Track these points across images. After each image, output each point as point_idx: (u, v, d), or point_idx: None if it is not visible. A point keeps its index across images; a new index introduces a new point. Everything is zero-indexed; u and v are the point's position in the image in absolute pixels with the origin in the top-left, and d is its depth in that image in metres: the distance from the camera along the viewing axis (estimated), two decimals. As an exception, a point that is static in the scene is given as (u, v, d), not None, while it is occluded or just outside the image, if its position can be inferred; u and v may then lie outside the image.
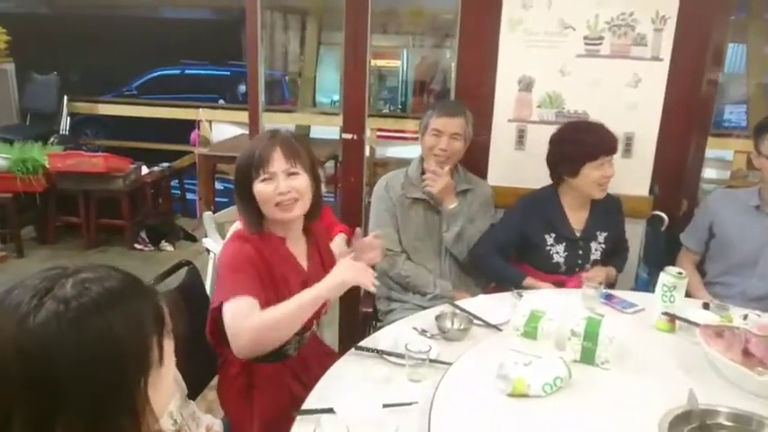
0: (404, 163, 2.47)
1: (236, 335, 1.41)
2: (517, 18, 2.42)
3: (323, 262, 1.72)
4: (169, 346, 0.81)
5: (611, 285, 2.16)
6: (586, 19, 2.38)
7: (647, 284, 2.37)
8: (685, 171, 2.56)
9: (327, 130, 5.54)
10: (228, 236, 2.13)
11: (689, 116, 2.46)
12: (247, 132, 4.70)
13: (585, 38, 2.39)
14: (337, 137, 4.40)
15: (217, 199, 4.49)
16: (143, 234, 4.44)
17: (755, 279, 2.10)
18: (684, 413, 1.27)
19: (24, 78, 5.09)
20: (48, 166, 4.13)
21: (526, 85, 2.48)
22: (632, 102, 2.44)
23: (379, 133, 5.46)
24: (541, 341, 1.51)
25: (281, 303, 1.44)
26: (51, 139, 4.73)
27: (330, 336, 2.61)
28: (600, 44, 2.40)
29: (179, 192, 5.17)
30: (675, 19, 2.34)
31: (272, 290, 1.51)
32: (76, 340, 0.70)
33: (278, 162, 1.49)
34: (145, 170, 4.56)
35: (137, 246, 4.41)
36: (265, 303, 1.45)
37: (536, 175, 2.30)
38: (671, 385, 1.36)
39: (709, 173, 4.66)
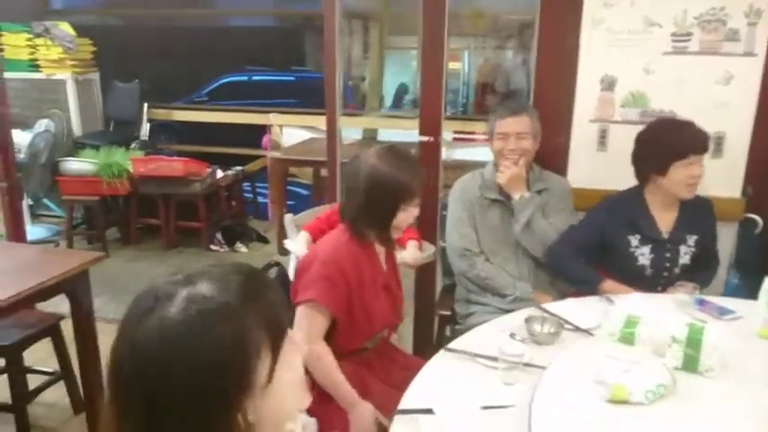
0: (473, 165, 2.47)
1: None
2: (599, 17, 2.37)
3: (393, 265, 1.83)
4: (286, 359, 0.78)
5: None
6: (674, 15, 2.30)
7: (737, 291, 2.27)
8: (780, 171, 2.43)
9: (393, 133, 5.57)
10: (302, 238, 2.22)
11: (785, 114, 2.34)
12: (317, 136, 4.82)
13: (673, 34, 2.31)
14: (403, 140, 4.44)
15: (288, 201, 4.60)
16: (218, 235, 4.59)
17: None
18: (801, 426, 1.21)
19: (106, 87, 5.36)
20: (131, 170, 4.34)
21: (608, 85, 2.43)
22: (723, 100, 2.34)
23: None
24: (638, 347, 1.47)
25: (330, 370, 1.58)
26: (132, 145, 4.97)
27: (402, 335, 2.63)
28: (688, 40, 2.31)
29: (251, 195, 5.32)
30: (772, 12, 2.24)
31: (358, 294, 1.62)
32: (168, 357, 0.71)
33: (419, 197, 1.64)
34: (219, 174, 4.72)
35: (212, 247, 4.57)
36: (348, 310, 1.61)
37: (619, 177, 2.24)
38: (783, 395, 1.30)
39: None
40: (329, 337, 1.63)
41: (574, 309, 1.78)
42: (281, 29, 10.14)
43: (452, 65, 9.76)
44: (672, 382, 1.30)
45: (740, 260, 2.39)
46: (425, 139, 2.68)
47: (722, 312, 1.78)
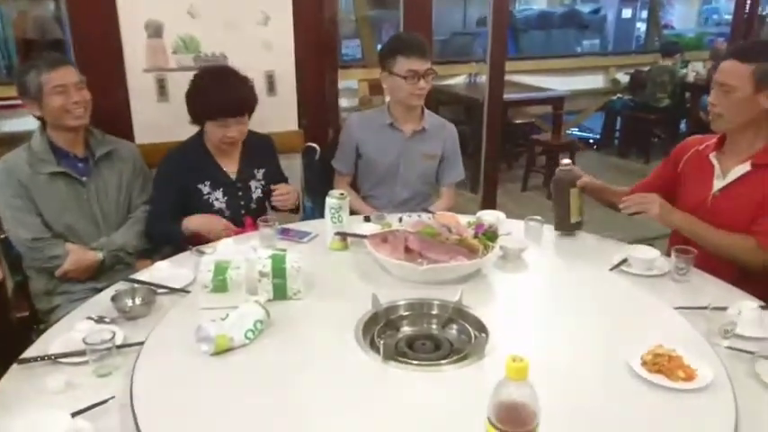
0: (23, 138, 2.08)
1: None
2: (126, -44, 2.20)
3: None
4: None
5: (297, 208, 2.27)
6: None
7: (313, 213, 2.53)
8: (325, 102, 2.75)
9: None
10: None
11: (319, 51, 2.63)
12: None
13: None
14: None
15: None
16: None
17: (398, 187, 2.42)
18: (372, 316, 1.41)
19: None
20: None
21: (155, 31, 2.30)
22: (267, 40, 2.48)
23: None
24: (233, 291, 1.47)
25: None
26: None
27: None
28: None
29: None
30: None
31: None
32: None
33: None
34: None
35: None
36: None
37: (186, 127, 2.19)
38: (357, 296, 1.48)
39: (341, 102, 5.13)
40: None
41: (164, 270, 1.69)
42: None
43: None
44: (266, 315, 1.35)
45: (309, 185, 2.66)
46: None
47: (301, 236, 1.94)
